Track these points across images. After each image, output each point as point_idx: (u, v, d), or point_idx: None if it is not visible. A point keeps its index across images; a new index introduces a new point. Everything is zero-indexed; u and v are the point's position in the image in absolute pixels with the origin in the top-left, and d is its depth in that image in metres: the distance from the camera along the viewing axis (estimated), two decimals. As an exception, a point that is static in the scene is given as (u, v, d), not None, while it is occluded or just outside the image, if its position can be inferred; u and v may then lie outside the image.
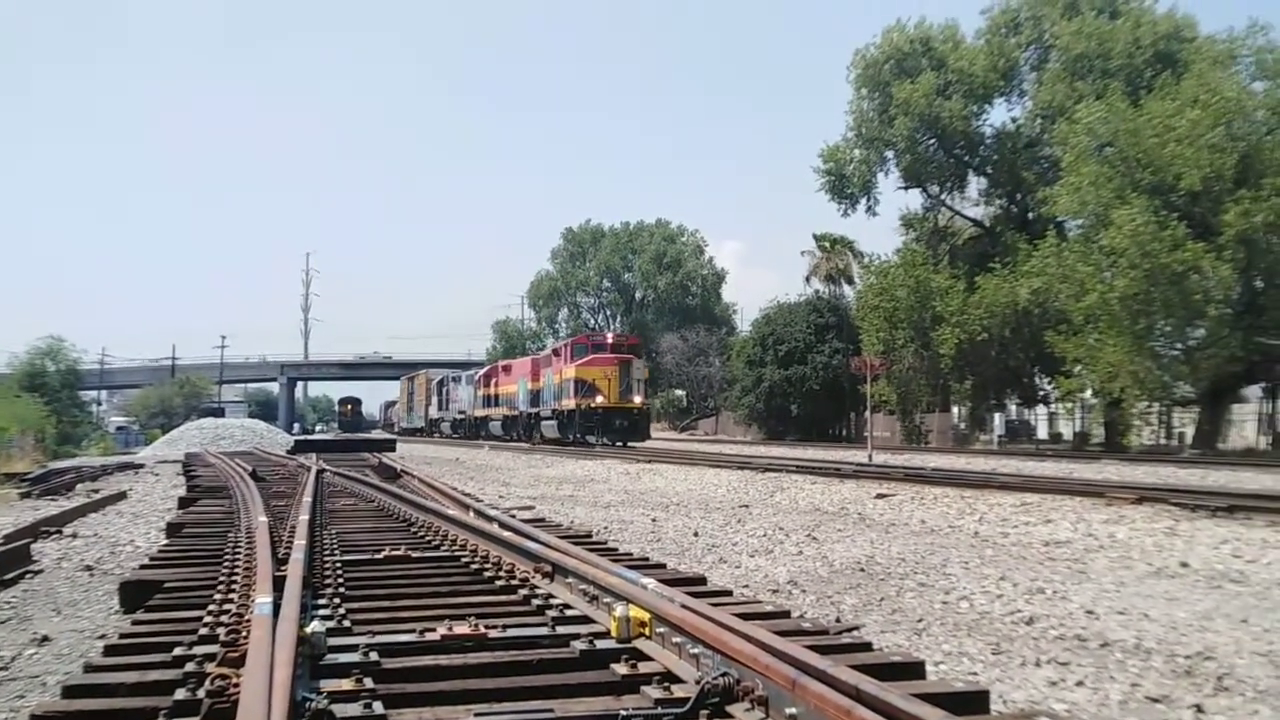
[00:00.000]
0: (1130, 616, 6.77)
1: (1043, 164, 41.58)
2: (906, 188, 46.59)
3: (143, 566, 7.80)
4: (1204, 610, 6.95)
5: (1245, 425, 38.10)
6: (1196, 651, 5.80)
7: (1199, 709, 4.75)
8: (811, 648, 3.99)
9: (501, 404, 52.60)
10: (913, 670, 4.26)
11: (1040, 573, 8.49)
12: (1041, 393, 44.80)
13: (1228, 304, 31.62)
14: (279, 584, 5.29)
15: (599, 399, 38.11)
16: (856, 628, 6.15)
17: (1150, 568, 8.79)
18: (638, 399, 39.12)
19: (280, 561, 6.40)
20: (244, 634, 4.39)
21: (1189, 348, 32.64)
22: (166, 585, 6.38)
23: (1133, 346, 31.44)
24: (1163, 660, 5.64)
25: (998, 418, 48.50)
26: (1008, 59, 42.86)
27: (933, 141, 44.15)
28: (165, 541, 10.02)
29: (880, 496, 14.93)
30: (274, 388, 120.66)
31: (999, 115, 48.93)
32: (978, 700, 3.87)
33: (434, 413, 69.68)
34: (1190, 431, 37.19)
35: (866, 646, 4.76)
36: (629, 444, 36.51)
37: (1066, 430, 46.20)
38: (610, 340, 42.30)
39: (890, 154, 45.25)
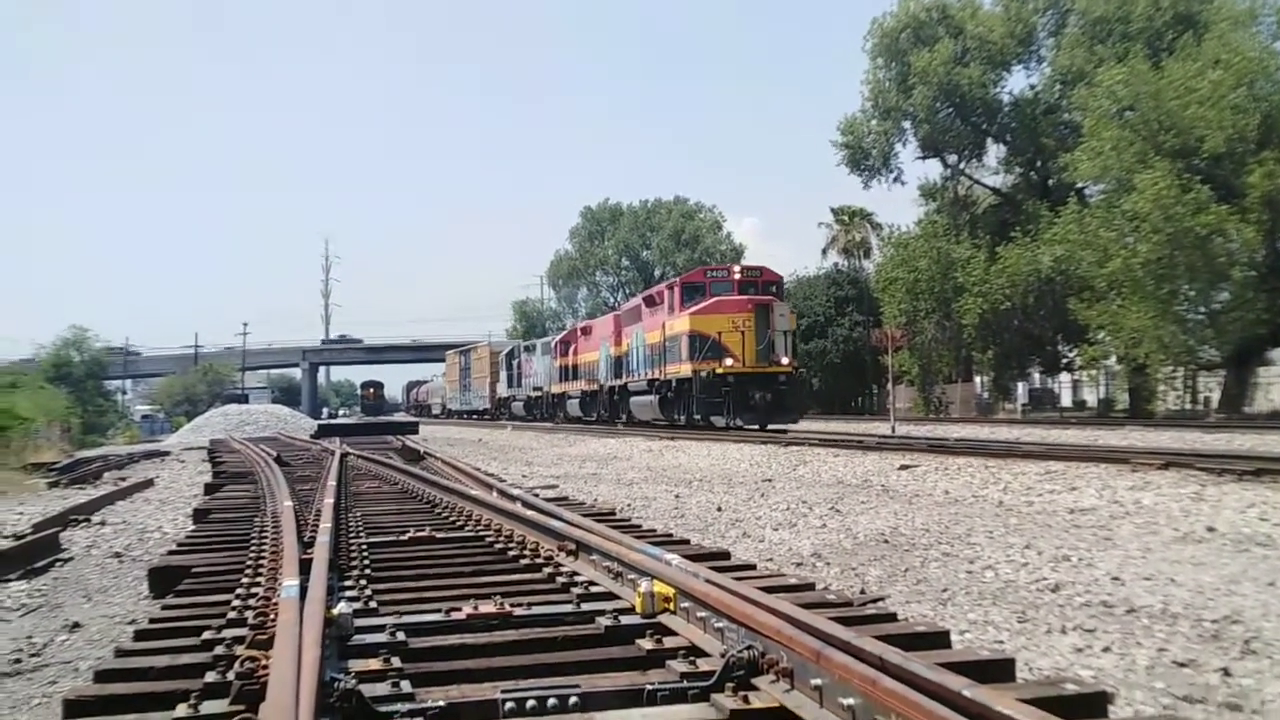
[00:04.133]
0: (1157, 582, 6.75)
1: (1062, 130, 41.23)
2: (925, 158, 46.35)
3: (171, 552, 7.87)
4: (1231, 574, 6.92)
5: (1271, 388, 37.81)
6: (1223, 615, 5.77)
7: (1226, 672, 4.74)
8: (836, 619, 4.00)
9: (580, 376, 42.51)
10: (938, 640, 4.26)
11: (1066, 540, 8.47)
12: (1065, 360, 44.56)
13: (1252, 266, 31.37)
14: (305, 567, 5.33)
15: (729, 361, 26.74)
16: (881, 599, 6.15)
17: (1176, 533, 8.75)
18: (785, 360, 27.21)
19: (306, 545, 6.45)
20: (272, 617, 4.43)
21: (1213, 311, 32.42)
22: (194, 570, 6.44)
23: (1157, 312, 31.23)
24: (1189, 625, 5.62)
25: (1021, 386, 48.32)
26: (1025, 24, 42.47)
27: (951, 110, 43.82)
28: (192, 527, 10.11)
29: (904, 468, 14.90)
30: (296, 373, 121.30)
31: (1018, 82, 48.59)
32: (1003, 668, 3.87)
33: (503, 390, 58.23)
34: (1216, 396, 36.95)
35: (891, 617, 4.76)
36: (767, 427, 26.31)
37: (1091, 397, 45.98)
38: (738, 275, 29.28)
39: (908, 124, 44.96)
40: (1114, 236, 32.13)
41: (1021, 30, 42.42)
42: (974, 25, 42.76)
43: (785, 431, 24.97)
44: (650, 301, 32.88)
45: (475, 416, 63.53)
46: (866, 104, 45.88)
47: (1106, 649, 5.18)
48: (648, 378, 31.78)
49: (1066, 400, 47.99)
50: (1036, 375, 49.28)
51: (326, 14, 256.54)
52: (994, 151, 46.63)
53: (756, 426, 26.25)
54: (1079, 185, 37.95)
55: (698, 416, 27.82)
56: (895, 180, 46.57)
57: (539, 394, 50.09)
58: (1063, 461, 14.16)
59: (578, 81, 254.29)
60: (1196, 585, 6.60)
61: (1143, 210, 30.45)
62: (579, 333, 44.18)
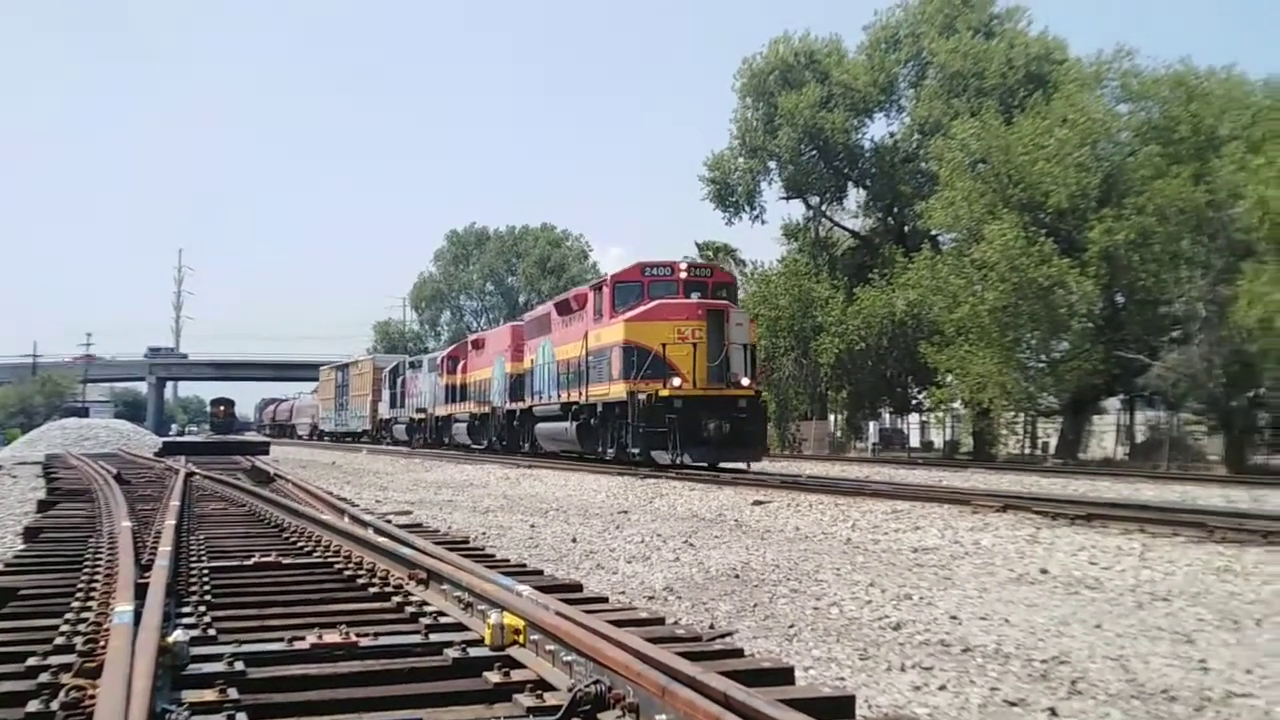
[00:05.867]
0: (992, 622, 6.99)
1: (919, 178, 42.63)
2: (788, 198, 47.34)
3: (-3, 573, 7.49)
4: (1061, 616, 7.21)
5: (1105, 436, 39.62)
6: (1053, 656, 6.02)
7: (1053, 712, 4.93)
8: (683, 654, 4.03)
9: (469, 397, 37.95)
10: (782, 676, 4.33)
11: (908, 579, 8.71)
12: (914, 402, 45.91)
13: (1090, 318, 32.88)
14: (141, 591, 5.15)
15: (675, 382, 21.87)
16: (729, 634, 6.22)
17: (1012, 574, 9.08)
18: (746, 380, 22.60)
19: (144, 568, 6.23)
20: (102, 643, 4.26)
21: (1054, 360, 33.83)
22: (21, 592, 6.15)
23: (1001, 358, 32.45)
24: (1021, 664, 5.83)
25: (873, 426, 49.58)
26: (887, 74, 43.87)
27: (814, 153, 44.92)
28: (22, 546, 9.65)
29: (757, 503, 15.13)
30: (142, 388, 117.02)
31: (879, 129, 50.25)
32: (844, 705, 3.96)
33: (385, 411, 53.46)
34: (1054, 441, 38.53)
35: (738, 653, 4.82)
36: (720, 466, 22.11)
37: (938, 439, 47.43)
38: (683, 274, 24.10)
39: (774, 164, 45.89)
40: (963, 284, 33.31)
41: (884, 79, 43.80)
42: (839, 72, 43.98)
43: (746, 471, 21.28)
44: (565, 308, 27.32)
45: (352, 440, 57.79)
46: (734, 142, 46.76)
47: (942, 687, 5.34)
48: (561, 400, 26.68)
49: (915, 441, 49.41)
50: (887, 415, 50.63)
51: (191, 17, 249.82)
52: (854, 195, 48.04)
53: (705, 465, 21.83)
54: (933, 232, 39.27)
55: (634, 451, 22.46)
56: (758, 218, 47.50)
57: (422, 416, 45.49)
58: (908, 501, 14.58)
59: (447, 102, 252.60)
60: (1029, 626, 6.86)
61: (990, 260, 31.67)
62: (469, 346, 39.72)
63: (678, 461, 21.62)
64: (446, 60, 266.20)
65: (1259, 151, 26.59)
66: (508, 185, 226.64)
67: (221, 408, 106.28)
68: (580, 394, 25.22)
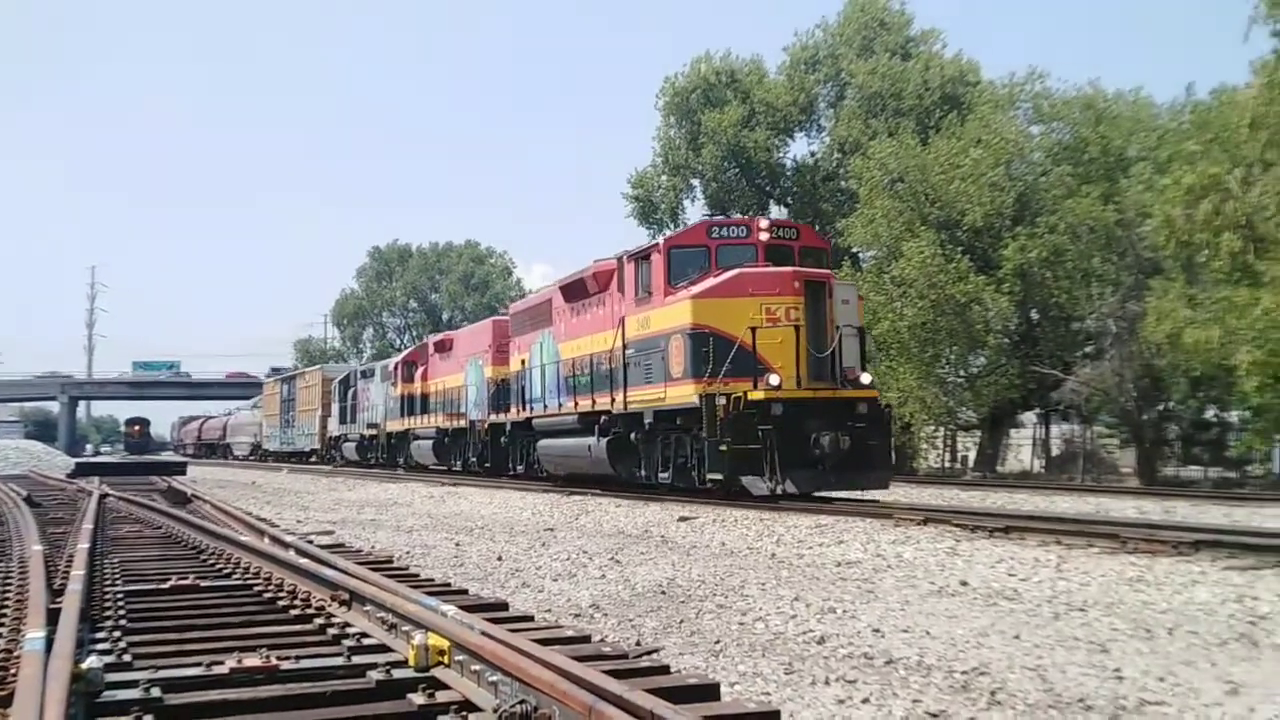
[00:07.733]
0: (914, 634, 7.08)
1: (840, 196, 43.15)
2: (712, 215, 47.63)
3: (-101, 601, 7.25)
4: (980, 627, 7.32)
5: (1022, 449, 40.34)
6: (973, 667, 6.11)
7: (974, 722, 5.01)
8: (610, 672, 4.04)
9: (433, 409, 32.72)
10: (708, 692, 4.35)
11: (832, 593, 8.79)
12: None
13: (1006, 334, 33.51)
14: (54, 617, 5.03)
15: (774, 380, 16.21)
16: (656, 650, 6.23)
17: (933, 586, 9.20)
18: (866, 377, 17.32)
19: (56, 593, 6.08)
20: (13, 671, 4.15)
21: (972, 375, 34.42)
22: (-74, 621, 5.96)
23: (921, 373, 32.91)
24: (942, 676, 5.92)
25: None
26: (807, 94, 44.40)
27: (737, 171, 45.30)
28: (-74, 573, 9.36)
29: (683, 519, 15.15)
30: (54, 407, 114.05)
31: (800, 148, 50.62)
32: (769, 720, 3.99)
33: (335, 427, 47.32)
34: (973, 455, 39.17)
35: (664, 670, 4.84)
36: (820, 490, 16.59)
37: (860, 453, 47.86)
38: (764, 234, 18.15)
39: (696, 181, 46.20)
40: (883, 300, 33.74)
41: (804, 99, 44.30)
42: (760, 91, 44.43)
43: (876, 502, 16.42)
44: (576, 291, 21.32)
45: (299, 460, 51.80)
46: (657, 159, 46.96)
47: (866, 700, 5.40)
48: (578, 409, 20.88)
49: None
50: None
51: (106, 23, 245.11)
52: (776, 213, 48.42)
53: (799, 493, 16.22)
54: (853, 250, 39.77)
55: (714, 478, 16.60)
56: (678, 237, 47.62)
57: (374, 432, 40.55)
58: (832, 515, 14.70)
59: (371, 117, 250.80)
60: (950, 638, 6.96)
61: (909, 276, 32.14)
62: (430, 350, 34.51)
63: (779, 490, 15.99)
64: (367, 76, 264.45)
65: (1165, 172, 27.32)
66: (430, 203, 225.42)
67: (136, 427, 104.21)
68: (611, 400, 19.48)
